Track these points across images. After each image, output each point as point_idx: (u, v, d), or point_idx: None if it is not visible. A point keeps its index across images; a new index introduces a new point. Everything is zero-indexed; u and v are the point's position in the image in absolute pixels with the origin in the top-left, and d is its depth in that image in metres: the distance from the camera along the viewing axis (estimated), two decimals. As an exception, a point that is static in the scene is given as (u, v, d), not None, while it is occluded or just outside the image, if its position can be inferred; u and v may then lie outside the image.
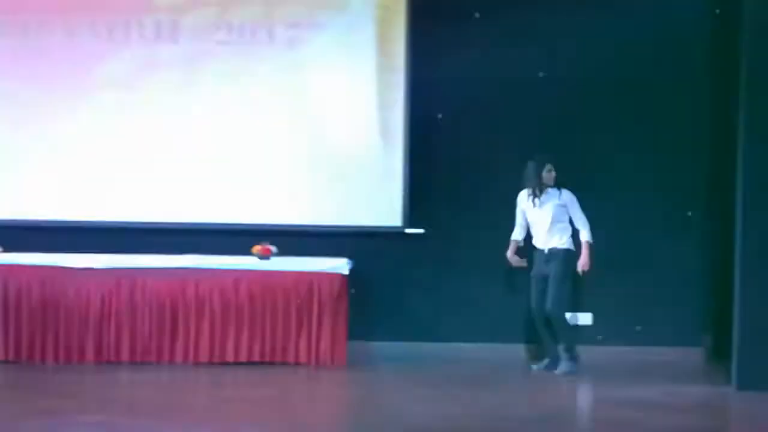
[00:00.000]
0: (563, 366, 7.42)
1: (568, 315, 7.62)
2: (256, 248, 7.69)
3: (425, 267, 8.11)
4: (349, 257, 7.79)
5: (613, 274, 7.99)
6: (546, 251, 7.51)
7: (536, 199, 7.52)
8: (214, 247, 7.88)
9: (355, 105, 8.10)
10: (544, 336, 7.59)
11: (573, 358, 7.45)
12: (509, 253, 7.69)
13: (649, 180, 8.10)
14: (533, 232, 7.62)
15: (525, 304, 7.95)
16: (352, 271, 7.67)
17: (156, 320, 7.50)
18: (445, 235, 8.08)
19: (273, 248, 7.70)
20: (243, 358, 7.52)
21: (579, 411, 6.86)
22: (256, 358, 7.52)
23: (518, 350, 7.95)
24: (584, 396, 7.23)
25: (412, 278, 8.10)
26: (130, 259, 7.63)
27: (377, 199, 8.08)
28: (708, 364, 7.88)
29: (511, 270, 7.99)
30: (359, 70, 8.11)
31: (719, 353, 7.65)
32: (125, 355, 7.48)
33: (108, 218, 8.04)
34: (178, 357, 7.51)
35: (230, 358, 7.51)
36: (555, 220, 7.49)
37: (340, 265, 7.63)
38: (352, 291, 7.81)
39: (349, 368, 7.51)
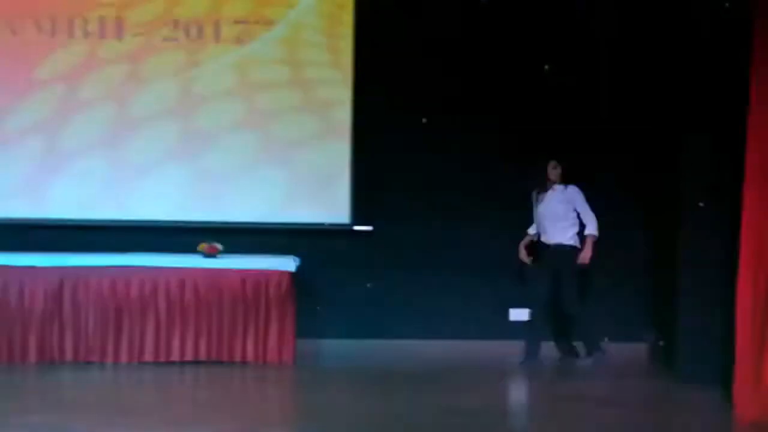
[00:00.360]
0: (587, 359, 7.52)
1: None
2: (203, 246, 7.63)
3: (373, 264, 8.11)
4: (297, 255, 7.76)
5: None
6: (551, 246, 7.54)
7: (540, 195, 7.57)
8: (159, 245, 7.82)
9: (302, 102, 8.08)
10: (533, 329, 7.61)
11: (599, 349, 7.51)
12: (521, 245, 7.73)
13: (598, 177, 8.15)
14: (539, 227, 7.67)
15: (470, 301, 8.04)
16: (299, 268, 7.65)
17: (100, 319, 7.39)
18: (393, 232, 8.09)
19: (219, 246, 7.64)
20: (189, 357, 7.45)
21: (523, 405, 6.94)
22: (203, 357, 7.46)
23: (465, 346, 7.98)
24: (528, 391, 7.30)
25: (360, 275, 8.10)
26: (73, 257, 7.52)
27: (325, 196, 8.07)
28: (652, 359, 7.98)
29: (459, 267, 8.05)
30: (307, 67, 8.09)
31: (663, 348, 7.74)
32: (69, 354, 7.38)
33: (51, 215, 7.94)
34: (123, 356, 7.42)
35: (176, 357, 7.44)
36: (559, 216, 7.53)
37: (287, 263, 7.60)
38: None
39: (297, 366, 7.48)
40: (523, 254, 7.74)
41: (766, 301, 5.93)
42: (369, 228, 8.07)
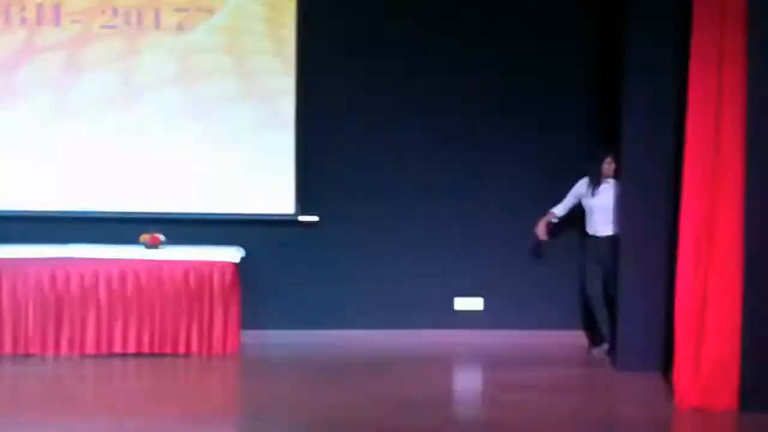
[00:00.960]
0: (605, 348, 7.64)
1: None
2: (144, 237, 7.55)
3: (318, 255, 8.09)
4: (241, 245, 7.71)
5: (504, 259, 8.15)
6: (602, 238, 7.62)
7: (594, 188, 7.68)
8: (99, 236, 7.71)
9: (245, 91, 8.01)
10: (601, 320, 7.68)
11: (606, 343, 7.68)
12: (542, 222, 7.80)
13: (539, 166, 8.21)
14: (590, 219, 7.75)
15: (416, 291, 8.07)
16: (244, 259, 7.60)
17: (40, 311, 7.28)
18: (338, 222, 8.06)
19: (161, 237, 7.56)
20: (132, 349, 7.36)
21: (468, 394, 6.99)
22: (146, 349, 7.38)
23: (412, 336, 8.01)
24: (473, 380, 7.37)
25: (305, 266, 8.08)
26: (12, 249, 7.38)
27: (269, 186, 8.01)
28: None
29: (405, 257, 8.08)
30: (249, 56, 8.02)
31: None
32: (8, 347, 7.25)
33: (-13, 206, 7.79)
34: (64, 349, 7.31)
35: (118, 349, 7.35)
36: (612, 209, 7.59)
37: (231, 254, 7.55)
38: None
39: (242, 358, 7.45)
40: (542, 231, 7.82)
41: (704, 290, 6.07)
42: (315, 218, 8.04)
